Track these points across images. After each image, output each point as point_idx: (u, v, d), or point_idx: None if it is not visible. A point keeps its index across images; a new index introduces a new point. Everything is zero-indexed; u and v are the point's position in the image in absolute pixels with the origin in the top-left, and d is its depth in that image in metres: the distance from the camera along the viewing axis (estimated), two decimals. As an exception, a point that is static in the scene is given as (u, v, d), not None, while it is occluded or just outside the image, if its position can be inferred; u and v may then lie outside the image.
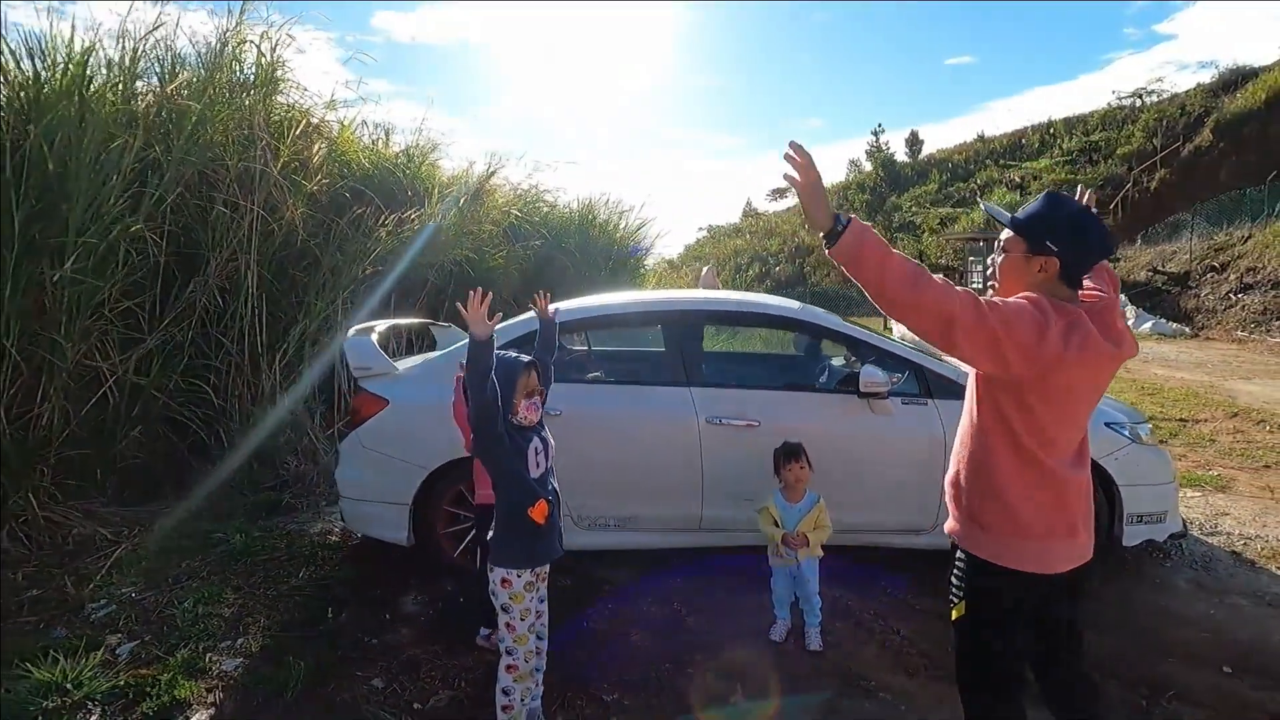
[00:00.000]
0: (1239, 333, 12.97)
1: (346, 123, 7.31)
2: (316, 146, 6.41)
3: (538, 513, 2.09)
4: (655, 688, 2.57)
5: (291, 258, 6.03)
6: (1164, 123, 26.51)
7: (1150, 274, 17.38)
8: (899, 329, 4.18)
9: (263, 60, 6.01)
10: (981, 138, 36.44)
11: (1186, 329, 13.95)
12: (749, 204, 52.55)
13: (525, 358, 2.18)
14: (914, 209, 32.87)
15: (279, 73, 6.23)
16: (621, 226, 12.06)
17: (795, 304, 3.84)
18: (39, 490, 3.99)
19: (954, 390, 3.31)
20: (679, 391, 3.37)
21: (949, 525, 1.78)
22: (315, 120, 6.67)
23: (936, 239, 27.94)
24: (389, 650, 2.85)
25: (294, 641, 2.91)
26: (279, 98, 6.42)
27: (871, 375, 3.15)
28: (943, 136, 76.09)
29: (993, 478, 1.63)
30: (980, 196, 29.93)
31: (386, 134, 8.48)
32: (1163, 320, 14.36)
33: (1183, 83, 33.45)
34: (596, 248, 11.15)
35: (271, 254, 5.82)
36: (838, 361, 4.27)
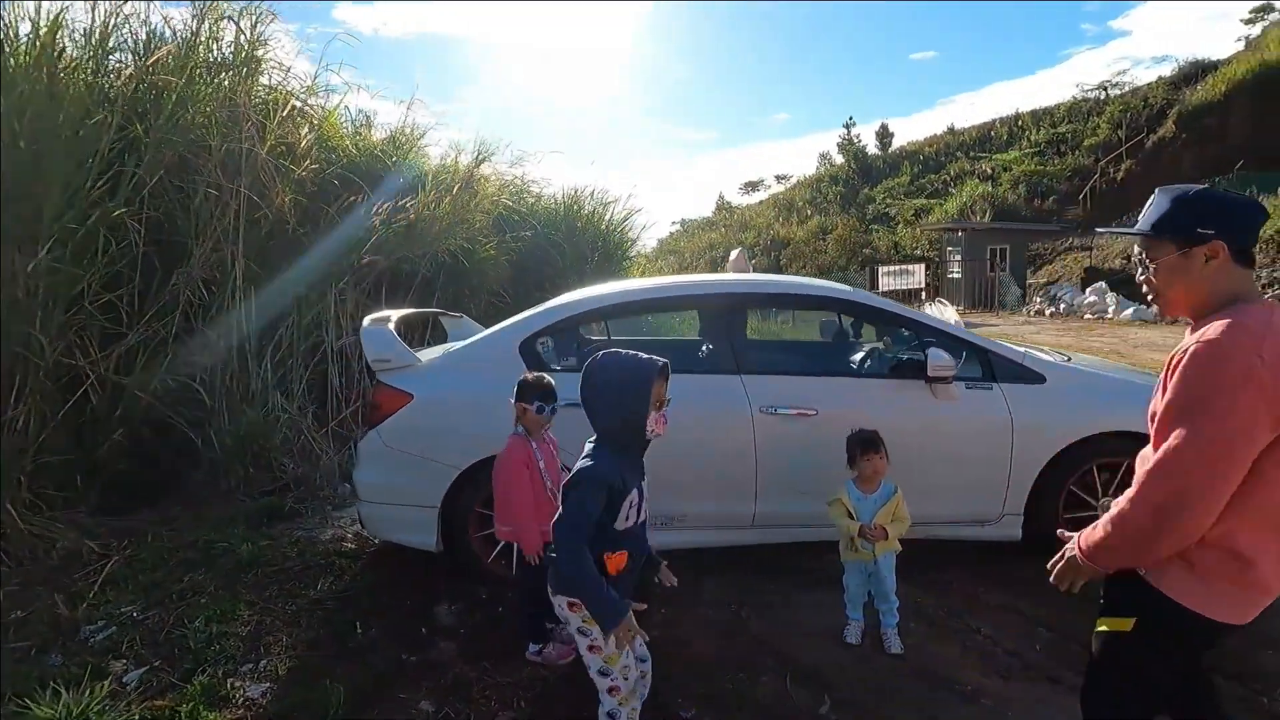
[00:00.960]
0: (1217, 318, 13.21)
1: (329, 109, 6.93)
2: (304, 130, 6.05)
3: (613, 561, 1.84)
4: (734, 701, 2.36)
5: (279, 247, 5.67)
6: (1128, 115, 27.05)
7: (1124, 262, 17.68)
8: (935, 309, 4.02)
9: (242, 38, 5.63)
10: (951, 130, 36.85)
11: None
12: (721, 197, 52.57)
13: (658, 360, 1.88)
14: (888, 200, 33.13)
15: (260, 52, 5.86)
16: (607, 218, 11.82)
17: (845, 286, 3.66)
18: (17, 501, 3.63)
19: (1019, 374, 3.17)
20: (730, 380, 3.16)
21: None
22: (298, 104, 6.30)
23: (911, 230, 28.17)
24: (432, 668, 2.60)
25: (323, 661, 2.64)
26: (261, 79, 6.05)
27: (939, 358, 2.97)
28: (908, 130, 77.09)
29: (1236, 524, 1.39)
30: (952, 188, 30.31)
31: (368, 120, 8.08)
32: (1144, 307, 14.58)
33: (1141, 77, 34.34)
34: (584, 239, 10.89)
35: (259, 243, 5.47)
36: (872, 346, 4.12)
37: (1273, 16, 26.74)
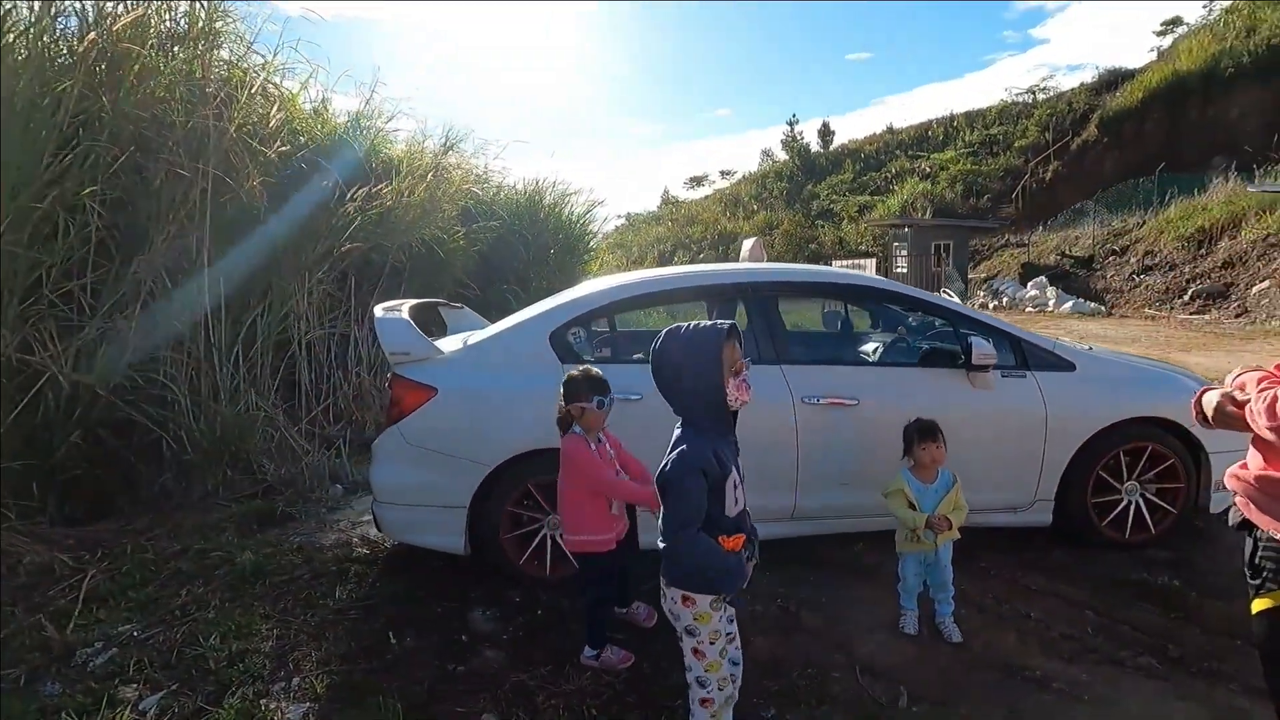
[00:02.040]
0: (1148, 310, 14.10)
1: (293, 91, 6.50)
2: (272, 110, 5.66)
3: (733, 541, 1.76)
4: (810, 698, 2.31)
5: (248, 233, 5.29)
6: (1054, 119, 28.50)
7: (1059, 257, 18.65)
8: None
9: (198, 6, 5.21)
10: (890, 129, 37.98)
11: (1102, 308, 15.03)
12: (666, 192, 52.68)
13: (723, 323, 1.77)
14: (832, 197, 33.89)
15: (219, 24, 5.44)
16: (568, 210, 11.63)
17: (875, 275, 3.64)
18: (-27, 512, 3.25)
19: (1051, 362, 3.23)
20: (770, 370, 3.09)
21: (1274, 524, 1.54)
22: (260, 80, 5.88)
23: (856, 226, 28.91)
24: (486, 678, 2.44)
25: (364, 676, 2.44)
26: (221, 53, 5.62)
27: (982, 347, 2.99)
28: (848, 128, 79.26)
29: None
30: (894, 185, 31.26)
31: (325, 101, 7.63)
32: (1082, 300, 15.40)
33: (1064, 83, 36.20)
34: (546, 230, 10.69)
35: (227, 228, 5.09)
36: (889, 335, 4.14)
37: (1182, 29, 28.58)
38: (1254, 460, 1.59)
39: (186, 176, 4.64)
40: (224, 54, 5.59)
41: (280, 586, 3.06)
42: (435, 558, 3.24)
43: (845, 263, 22.72)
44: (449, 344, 3.38)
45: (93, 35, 4.04)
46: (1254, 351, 9.06)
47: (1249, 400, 1.52)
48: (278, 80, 6.08)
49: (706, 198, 46.28)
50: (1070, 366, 3.21)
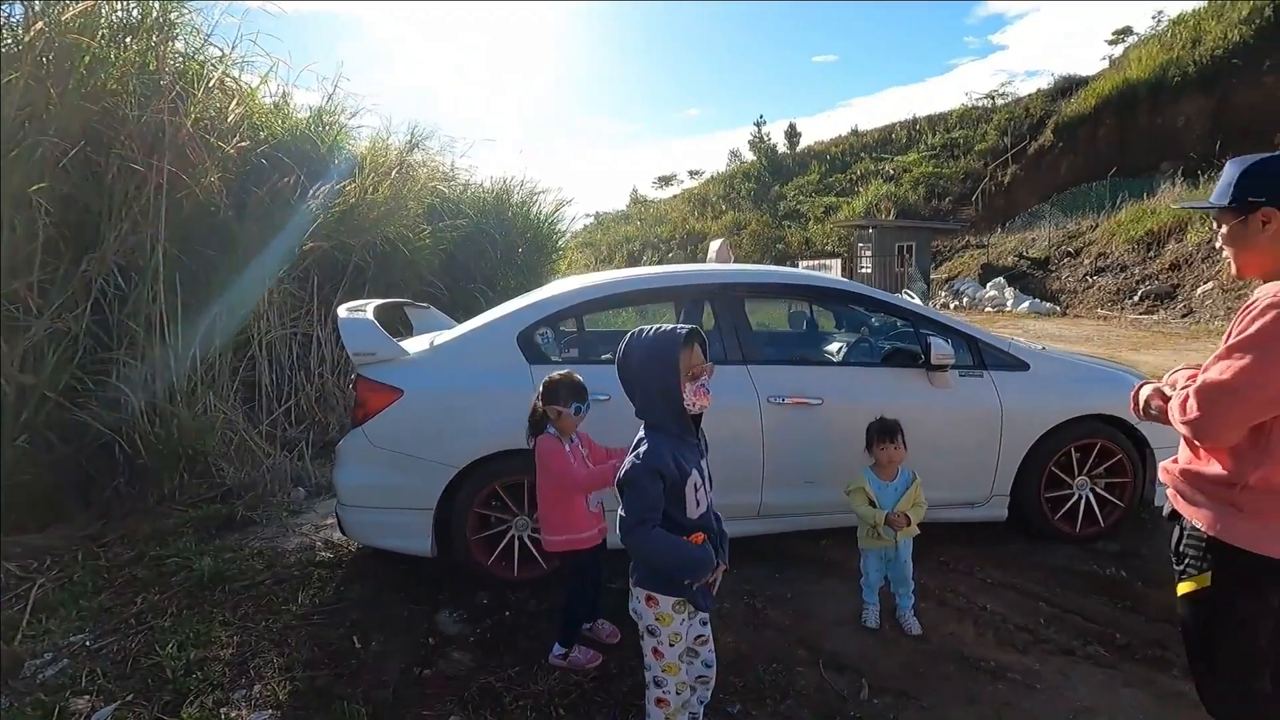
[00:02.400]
0: (1100, 310, 14.60)
1: (252, 85, 6.35)
2: (231, 104, 5.52)
3: (693, 539, 1.78)
4: (775, 691, 2.35)
5: (206, 231, 5.16)
6: (1012, 123, 29.29)
7: (1017, 259, 19.17)
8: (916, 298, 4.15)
9: (151, -4, 5.06)
10: (855, 131, 38.62)
11: (1057, 308, 15.51)
12: (635, 191, 52.78)
13: (683, 328, 1.78)
14: (798, 198, 34.34)
15: (174, 15, 5.30)
16: (536, 208, 11.57)
17: (838, 276, 3.71)
18: (-85, 521, 3.11)
19: (1006, 361, 3.33)
20: (737, 370, 3.13)
21: (1199, 515, 1.62)
22: (218, 74, 5.73)
23: (822, 226, 29.32)
24: (453, 680, 2.43)
25: (329, 682, 2.41)
26: (177, 44, 5.47)
27: (941, 347, 3.07)
28: (814, 129, 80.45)
29: (1274, 468, 1.50)
30: (859, 187, 31.79)
31: (285, 96, 7.46)
32: (1038, 300, 15.87)
33: (1022, 89, 37.19)
34: (514, 229, 10.62)
35: (182, 226, 4.96)
36: (852, 335, 4.22)
37: (1132, 39, 29.60)
38: (1182, 454, 1.68)
39: (140, 172, 4.51)
40: (179, 46, 5.45)
41: (240, 592, 3.00)
42: (401, 561, 3.21)
43: (811, 263, 23.03)
44: (415, 345, 3.35)
45: (40, 25, 3.91)
46: (1198, 350, 9.44)
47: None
48: (236, 74, 5.94)
49: (675, 197, 46.53)
50: (1025, 366, 3.32)
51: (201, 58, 5.60)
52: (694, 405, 1.77)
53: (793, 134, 41.57)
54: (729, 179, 41.77)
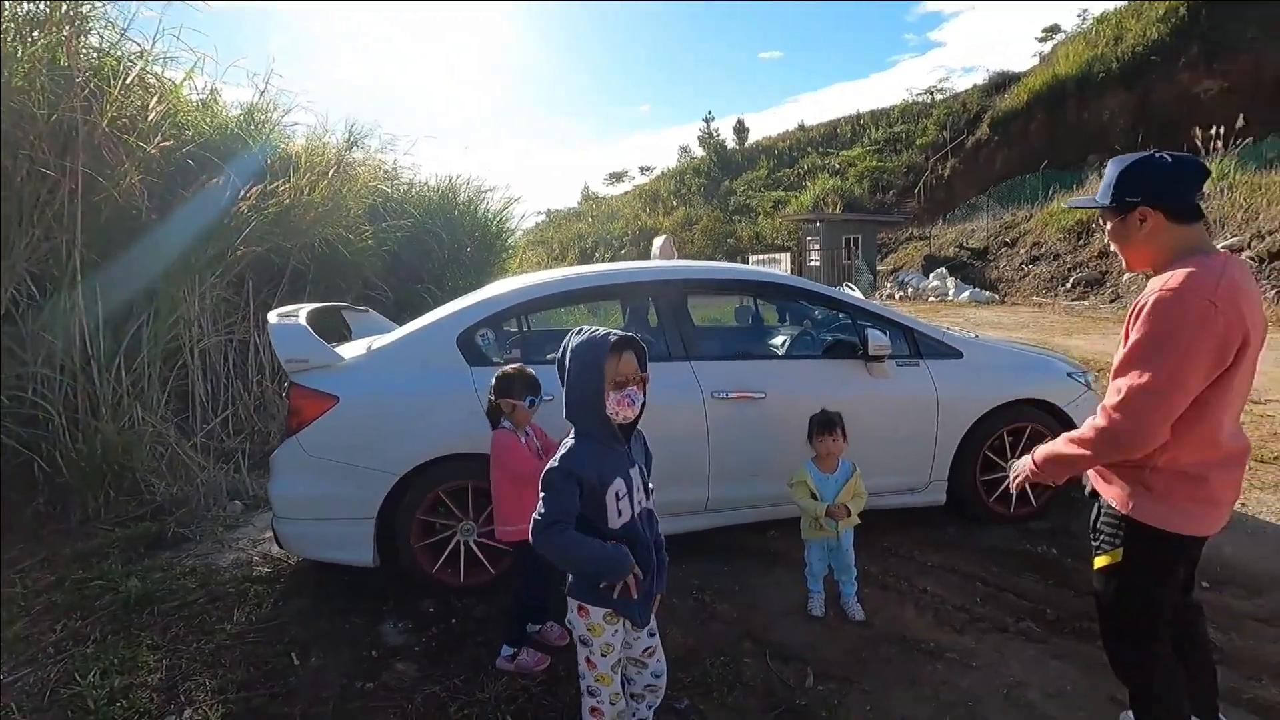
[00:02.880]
0: (1035, 298, 15.19)
1: (176, 81, 6.06)
2: (152, 101, 5.27)
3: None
4: (722, 684, 2.36)
5: (128, 236, 4.93)
6: (951, 118, 30.19)
7: (957, 249, 19.79)
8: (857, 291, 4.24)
9: (59, -13, 4.79)
10: (802, 127, 39.25)
11: (996, 296, 16.07)
12: (587, 188, 52.56)
13: (613, 334, 1.72)
14: (748, 193, 34.71)
15: (86, 8, 5.03)
16: (483, 207, 11.41)
17: (779, 271, 3.75)
18: None
19: (941, 350, 3.42)
20: (680, 366, 3.14)
21: (1113, 495, 1.71)
22: (137, 70, 5.46)
23: (772, 221, 29.71)
24: (397, 692, 2.37)
25: (264, 701, 2.33)
26: (90, 38, 5.20)
27: (878, 338, 3.14)
28: (762, 125, 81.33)
29: (1180, 451, 1.59)
30: (806, 181, 32.32)
31: (214, 94, 7.16)
32: (978, 290, 16.41)
33: (959, 84, 38.39)
34: (461, 229, 10.46)
35: (101, 231, 4.72)
36: (794, 329, 4.28)
37: (1060, 36, 30.79)
38: None
39: (52, 175, 4.27)
40: (93, 40, 5.17)
41: (171, 613, 2.87)
42: (343, 572, 3.13)
43: (761, 258, 23.34)
44: (352, 350, 3.26)
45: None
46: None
47: None
48: (158, 70, 5.66)
49: (627, 194, 46.50)
50: (958, 354, 3.42)
51: (118, 53, 5.33)
52: (616, 415, 1.71)
53: (741, 130, 42.00)
54: (680, 175, 41.96)
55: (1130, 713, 2.09)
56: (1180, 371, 1.49)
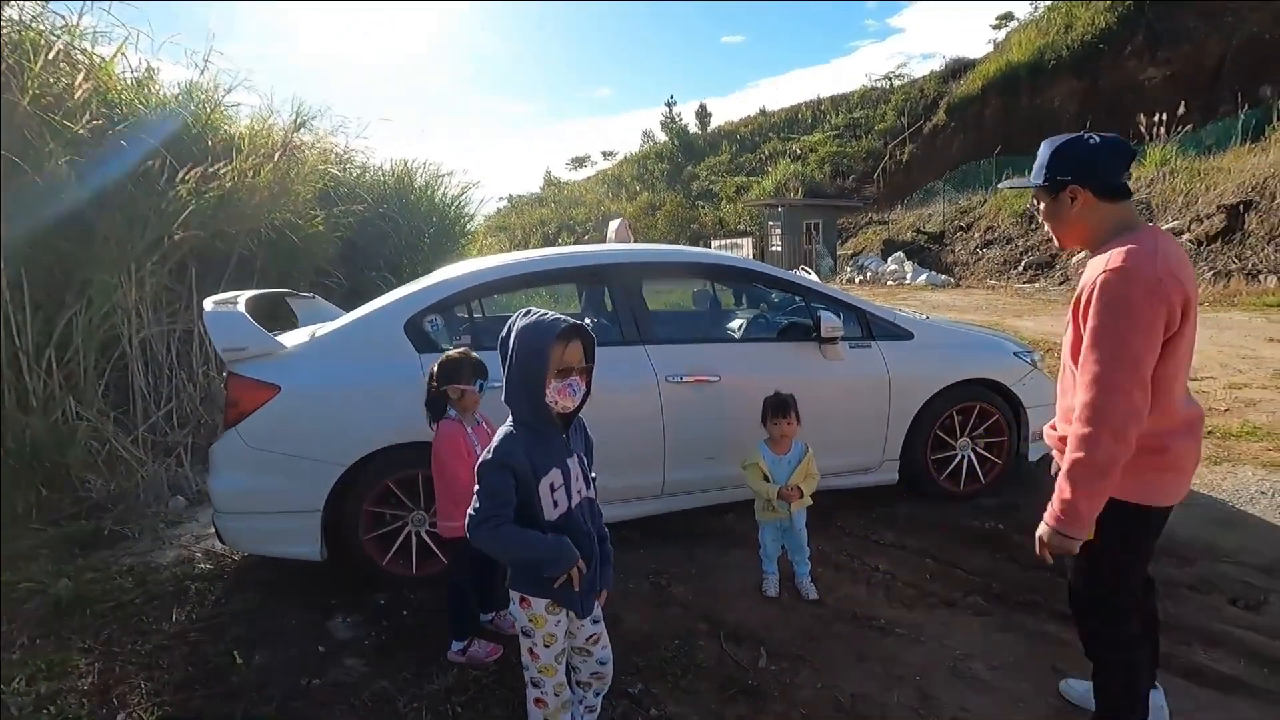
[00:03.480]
0: (989, 281, 15.55)
1: (106, 57, 5.74)
2: (79, 79, 4.99)
3: None
4: (676, 667, 2.36)
5: (53, 222, 4.67)
6: (909, 104, 30.61)
7: (914, 234, 20.12)
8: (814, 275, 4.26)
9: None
10: (763, 112, 39.35)
11: (951, 279, 16.41)
12: (549, 173, 51.96)
13: (563, 320, 1.65)
14: (711, 178, 34.74)
15: (-1, -24, 4.74)
16: (440, 192, 11.16)
17: (736, 255, 3.74)
18: None
19: (892, 332, 3.46)
20: (634, 351, 3.11)
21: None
22: (60, 44, 5.16)
23: (734, 206, 29.79)
24: (345, 688, 2.31)
25: (204, 702, 2.25)
26: (9, 11, 4.90)
27: (830, 320, 3.16)
28: (724, 110, 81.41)
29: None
30: (768, 166, 32.47)
31: (149, 70, 6.81)
32: (934, 273, 16.74)
33: (917, 71, 38.86)
34: (418, 214, 10.22)
35: (25, 217, 4.47)
36: (749, 313, 4.29)
37: (1014, 24, 31.37)
38: (1061, 426, 1.77)
39: (-32, 156, 4.02)
40: (11, 13, 4.88)
41: (105, 615, 2.75)
42: (289, 567, 3.04)
43: (723, 243, 23.40)
44: (295, 338, 3.15)
45: None
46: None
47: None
48: (86, 45, 5.37)
49: (589, 179, 46.14)
50: (909, 335, 3.46)
51: (41, 26, 5.03)
52: (555, 403, 1.66)
53: (703, 114, 41.92)
54: (642, 159, 41.75)
55: (1070, 681, 2.17)
56: (1143, 346, 1.52)
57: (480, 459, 1.66)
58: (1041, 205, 1.76)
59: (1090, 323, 1.57)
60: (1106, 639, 1.80)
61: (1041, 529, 1.67)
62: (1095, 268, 1.60)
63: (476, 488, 1.64)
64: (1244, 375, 5.94)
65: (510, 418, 1.70)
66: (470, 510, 1.63)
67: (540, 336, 1.63)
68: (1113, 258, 1.56)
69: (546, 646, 1.74)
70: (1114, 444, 1.52)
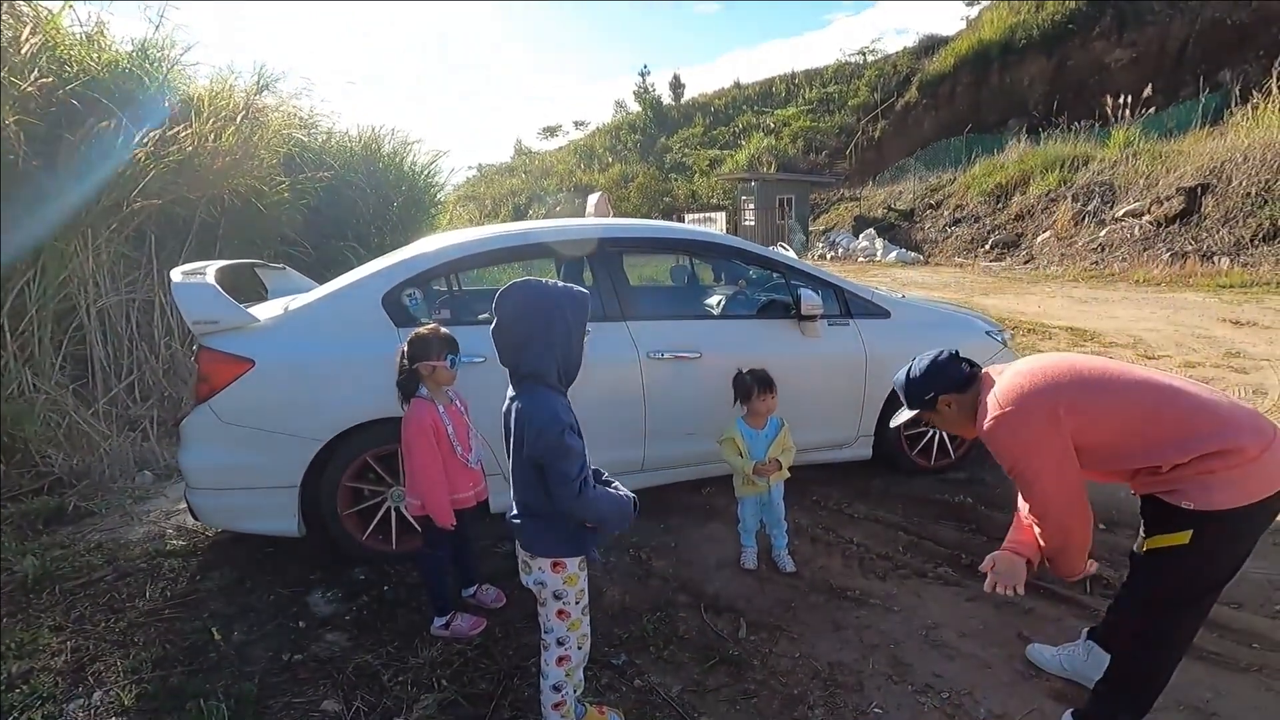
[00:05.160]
0: (957, 259, 15.80)
1: (53, 10, 5.42)
2: (25, 33, 4.72)
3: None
4: (659, 640, 2.41)
5: (4, 186, 4.46)
6: (882, 80, 30.62)
7: (885, 211, 20.30)
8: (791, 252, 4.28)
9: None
10: (737, 84, 38.97)
11: (920, 257, 16.64)
12: (519, 143, 51.00)
13: (584, 291, 1.75)
14: (684, 150, 34.47)
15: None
16: (409, 159, 10.88)
17: (716, 231, 3.73)
18: None
19: (870, 310, 3.51)
20: (616, 327, 3.10)
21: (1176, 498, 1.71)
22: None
23: (707, 180, 29.66)
24: (327, 663, 2.31)
25: (183, 680, 2.22)
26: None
27: (810, 298, 3.19)
28: (698, 81, 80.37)
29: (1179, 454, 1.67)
30: (741, 140, 32.31)
31: (100, 25, 6.45)
32: (905, 250, 16.94)
33: (892, 45, 38.88)
34: (387, 183, 9.97)
35: (-30, 179, 4.26)
36: (729, 289, 4.31)
37: (986, 3, 31.44)
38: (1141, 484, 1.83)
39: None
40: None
41: (75, 592, 2.70)
42: (265, 543, 3.01)
43: (696, 216, 23.33)
44: (268, 310, 3.07)
45: None
46: (1036, 294, 10.46)
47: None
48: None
49: (561, 149, 45.39)
50: (886, 313, 3.51)
51: (-18, -23, 4.74)
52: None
53: (677, 85, 41.42)
54: (615, 130, 41.19)
55: (1035, 646, 2.27)
56: (1056, 473, 1.76)
57: (547, 428, 1.62)
58: (933, 422, 2.08)
59: (1003, 462, 1.84)
60: (1163, 636, 1.81)
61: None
62: (983, 429, 1.83)
63: (563, 453, 1.61)
64: (1198, 355, 6.18)
65: (525, 385, 1.69)
66: (557, 479, 1.62)
67: (584, 308, 1.71)
68: (982, 411, 1.83)
69: (578, 602, 1.80)
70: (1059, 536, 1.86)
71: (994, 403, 1.79)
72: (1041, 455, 1.74)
